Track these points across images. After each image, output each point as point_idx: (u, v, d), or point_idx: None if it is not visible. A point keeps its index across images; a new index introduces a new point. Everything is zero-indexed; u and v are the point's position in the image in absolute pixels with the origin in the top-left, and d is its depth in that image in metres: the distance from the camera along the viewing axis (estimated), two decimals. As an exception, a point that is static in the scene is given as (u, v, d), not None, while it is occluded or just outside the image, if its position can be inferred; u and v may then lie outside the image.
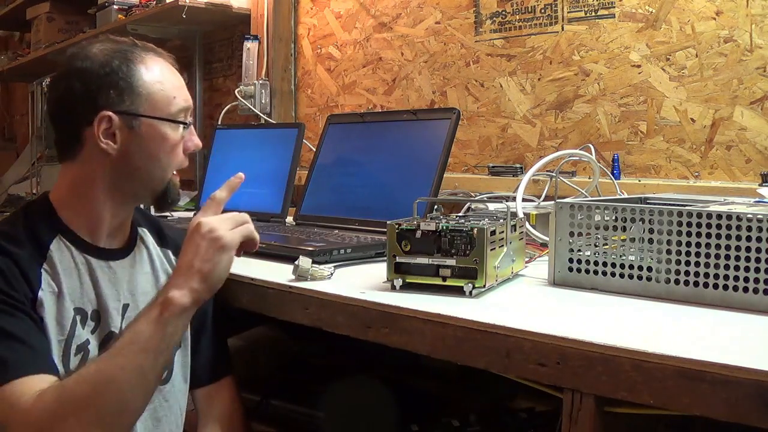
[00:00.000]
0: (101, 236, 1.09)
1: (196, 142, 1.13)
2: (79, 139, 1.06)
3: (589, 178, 1.62)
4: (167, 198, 1.12)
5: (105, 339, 1.06)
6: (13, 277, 0.97)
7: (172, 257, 1.18)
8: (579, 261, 1.04)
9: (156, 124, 1.07)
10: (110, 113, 1.04)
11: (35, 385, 0.92)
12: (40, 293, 1.00)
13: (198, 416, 1.22)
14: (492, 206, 1.46)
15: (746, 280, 0.89)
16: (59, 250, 1.04)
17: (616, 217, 1.01)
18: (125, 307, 1.09)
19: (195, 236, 0.99)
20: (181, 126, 1.10)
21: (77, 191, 1.08)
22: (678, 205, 1.05)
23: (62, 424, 0.89)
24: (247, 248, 1.05)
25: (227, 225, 1.01)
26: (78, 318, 1.03)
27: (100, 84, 1.04)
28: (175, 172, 1.12)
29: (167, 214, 2.09)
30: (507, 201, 1.33)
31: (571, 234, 1.05)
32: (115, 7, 2.93)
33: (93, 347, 1.04)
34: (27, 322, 0.97)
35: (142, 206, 1.21)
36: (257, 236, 1.05)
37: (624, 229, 1.00)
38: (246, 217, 1.05)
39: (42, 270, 1.01)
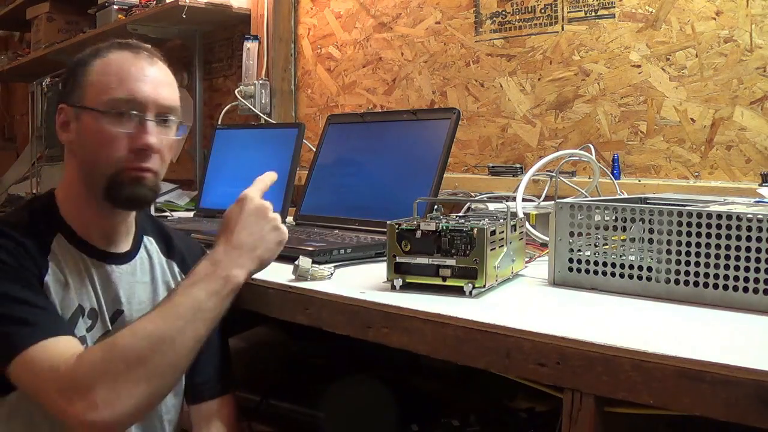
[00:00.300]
0: (94, 235, 1.08)
1: (145, 140, 1.03)
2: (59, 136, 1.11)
3: (589, 178, 1.62)
4: (120, 195, 1.04)
5: (99, 339, 1.06)
6: (21, 258, 0.98)
7: (176, 270, 1.18)
8: (579, 261, 1.04)
9: (92, 116, 1.04)
10: (63, 105, 1.07)
11: (66, 346, 0.92)
12: (47, 278, 1.00)
13: None
14: (492, 206, 1.46)
15: (746, 280, 0.89)
16: (60, 246, 1.05)
17: (616, 217, 1.01)
18: (118, 312, 1.09)
19: (254, 214, 1.05)
20: (123, 118, 1.03)
21: (68, 187, 1.10)
22: (678, 205, 1.05)
23: (112, 382, 0.88)
24: None
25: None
26: (78, 312, 1.03)
27: (65, 79, 1.08)
28: (137, 168, 1.04)
29: (167, 214, 2.10)
30: (507, 201, 1.33)
31: (571, 234, 1.05)
32: (115, 7, 2.93)
33: (89, 343, 1.04)
34: (38, 290, 0.98)
35: (153, 212, 1.21)
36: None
37: (624, 229, 1.00)
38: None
39: (48, 259, 1.02)
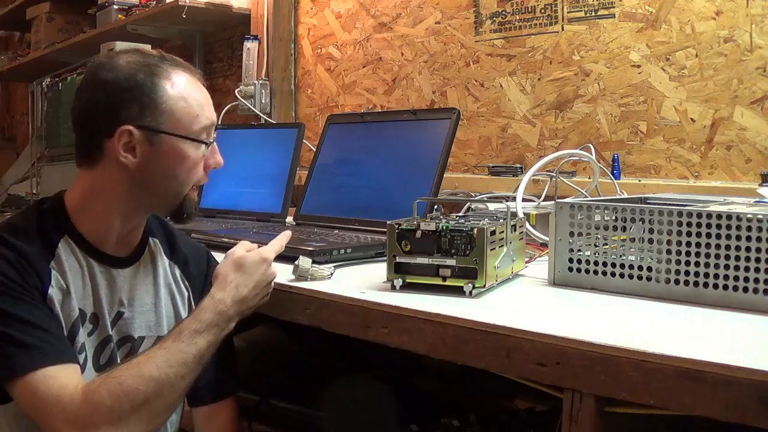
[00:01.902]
0: (108, 243, 1.09)
1: (218, 160, 1.12)
2: (99, 149, 1.05)
3: (589, 178, 1.62)
4: (183, 212, 1.12)
5: (101, 344, 1.06)
6: (24, 271, 0.98)
7: (178, 273, 1.18)
8: (579, 261, 1.04)
9: (177, 142, 1.06)
10: (131, 127, 1.03)
11: (68, 375, 0.94)
12: (50, 290, 1.00)
13: None
14: (492, 206, 1.46)
15: (746, 280, 0.89)
16: (66, 250, 1.04)
17: (616, 217, 1.01)
18: (119, 314, 1.09)
19: (249, 268, 1.11)
20: (203, 145, 1.09)
21: (91, 198, 1.07)
22: (678, 205, 1.05)
23: (117, 421, 0.92)
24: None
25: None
26: (79, 318, 1.03)
27: (123, 97, 1.03)
28: (194, 188, 1.12)
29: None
30: (507, 201, 1.33)
31: (571, 234, 1.05)
32: (115, 7, 2.93)
33: (89, 350, 1.04)
34: (42, 309, 0.98)
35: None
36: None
37: (624, 229, 1.00)
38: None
39: (50, 267, 1.02)
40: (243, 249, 1.13)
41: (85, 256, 1.06)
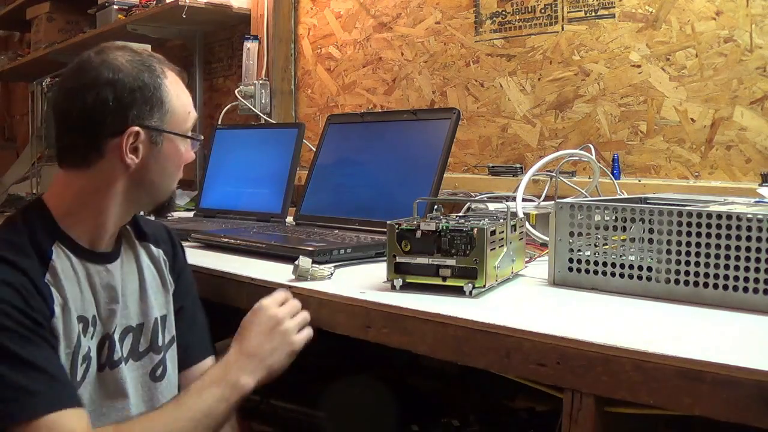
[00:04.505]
0: (101, 243, 1.07)
1: (192, 154, 1.12)
2: (98, 149, 1.03)
3: (589, 178, 1.62)
4: (169, 207, 1.14)
5: (101, 342, 1.05)
6: (30, 296, 0.94)
7: (153, 249, 1.17)
8: (579, 261, 1.04)
9: (175, 140, 1.07)
10: (138, 128, 1.02)
11: (73, 422, 0.91)
12: (55, 308, 0.97)
13: None
14: (492, 206, 1.46)
15: (746, 280, 0.89)
16: (59, 258, 1.01)
17: (616, 217, 1.01)
18: (114, 310, 1.07)
19: (266, 324, 1.08)
20: (194, 142, 1.11)
21: (85, 201, 1.05)
22: (678, 205, 1.05)
23: None
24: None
25: (294, 322, 1.09)
26: (80, 327, 1.01)
27: (134, 97, 1.02)
28: None
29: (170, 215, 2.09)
30: (507, 201, 1.33)
31: (571, 234, 1.05)
32: (115, 7, 2.93)
33: (93, 353, 1.03)
34: (47, 349, 0.94)
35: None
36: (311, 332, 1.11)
37: (624, 229, 1.00)
38: (306, 316, 1.10)
39: (46, 281, 0.98)
40: (264, 303, 1.11)
41: (80, 260, 1.04)
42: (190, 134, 1.09)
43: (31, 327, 0.93)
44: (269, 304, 1.09)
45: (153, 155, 1.05)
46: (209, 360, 1.21)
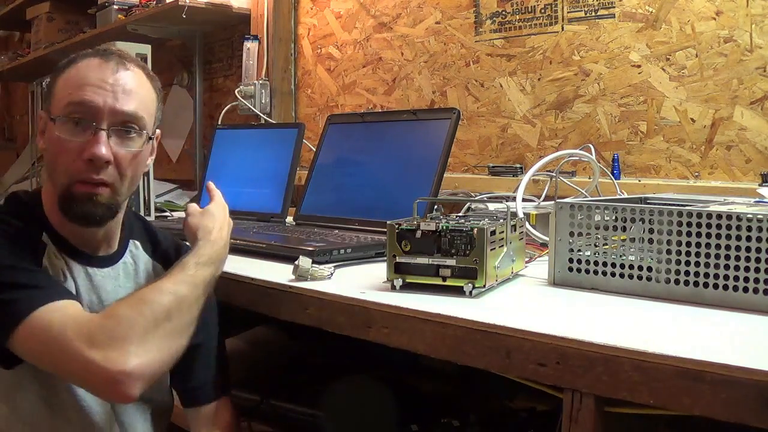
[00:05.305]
0: (76, 241, 1.07)
1: (92, 150, 0.99)
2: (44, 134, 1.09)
3: (589, 178, 1.62)
4: (72, 210, 1.01)
5: None
6: (21, 240, 0.98)
7: (160, 269, 1.16)
8: (579, 261, 1.04)
9: (55, 125, 1.01)
10: (42, 112, 1.06)
11: (79, 308, 0.93)
12: (43, 259, 1.01)
13: None
14: (492, 206, 1.46)
15: (746, 280, 0.89)
16: (48, 253, 1.03)
17: (616, 217, 1.01)
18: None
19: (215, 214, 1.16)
20: (77, 127, 0.99)
21: (46, 192, 1.08)
22: (678, 205, 1.05)
23: (143, 334, 0.89)
24: None
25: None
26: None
27: (49, 85, 1.07)
28: (103, 181, 1.01)
29: (167, 214, 2.10)
30: (507, 201, 1.33)
31: (571, 234, 1.05)
32: (115, 7, 2.92)
33: None
34: (44, 271, 0.99)
35: (152, 212, 1.22)
36: None
37: (624, 229, 1.00)
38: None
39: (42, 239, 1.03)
40: (196, 208, 1.17)
41: (61, 253, 1.05)
42: (56, 116, 1.00)
43: (23, 247, 0.98)
44: (195, 207, 1.17)
45: (46, 140, 1.05)
46: (222, 401, 1.19)
